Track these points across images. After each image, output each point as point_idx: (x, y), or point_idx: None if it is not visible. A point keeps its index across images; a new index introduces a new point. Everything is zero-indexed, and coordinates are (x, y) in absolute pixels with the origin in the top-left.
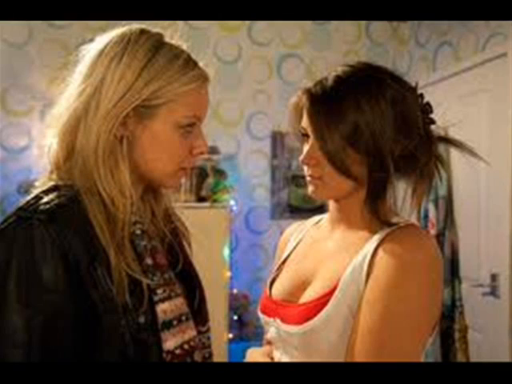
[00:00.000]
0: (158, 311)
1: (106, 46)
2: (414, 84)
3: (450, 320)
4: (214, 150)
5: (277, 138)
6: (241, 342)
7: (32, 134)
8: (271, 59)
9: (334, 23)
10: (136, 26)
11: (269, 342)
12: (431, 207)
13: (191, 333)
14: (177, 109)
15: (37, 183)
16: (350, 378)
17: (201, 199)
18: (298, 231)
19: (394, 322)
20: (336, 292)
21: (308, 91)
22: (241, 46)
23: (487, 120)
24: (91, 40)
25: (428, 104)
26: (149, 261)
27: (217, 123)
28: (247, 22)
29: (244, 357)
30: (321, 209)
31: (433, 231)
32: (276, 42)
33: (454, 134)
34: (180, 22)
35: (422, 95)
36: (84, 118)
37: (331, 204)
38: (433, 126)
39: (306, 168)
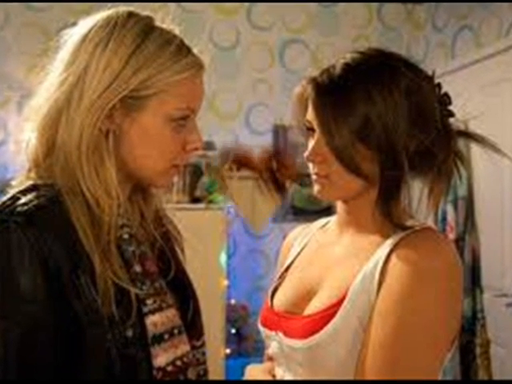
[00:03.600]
0: (147, 324)
1: (90, 31)
2: (430, 72)
3: (470, 333)
4: (209, 146)
5: (279, 133)
6: (239, 358)
7: (8, 127)
8: (273, 45)
9: (342, 5)
10: (123, 8)
11: (270, 358)
12: (450, 209)
13: (184, 348)
14: (168, 100)
15: (13, 182)
16: None
17: (195, 200)
18: (302, 235)
19: (409, 335)
20: (345, 302)
21: (313, 80)
22: (239, 31)
23: (511, 112)
24: (74, 24)
25: (446, 94)
26: (137, 268)
27: (213, 116)
28: (246, 4)
29: (243, 374)
30: (328, 211)
31: (451, 235)
32: (278, 26)
33: (474, 127)
34: (172, 4)
35: (439, 85)
36: (66, 110)
37: (339, 205)
38: (451, 119)
39: (311, 165)
